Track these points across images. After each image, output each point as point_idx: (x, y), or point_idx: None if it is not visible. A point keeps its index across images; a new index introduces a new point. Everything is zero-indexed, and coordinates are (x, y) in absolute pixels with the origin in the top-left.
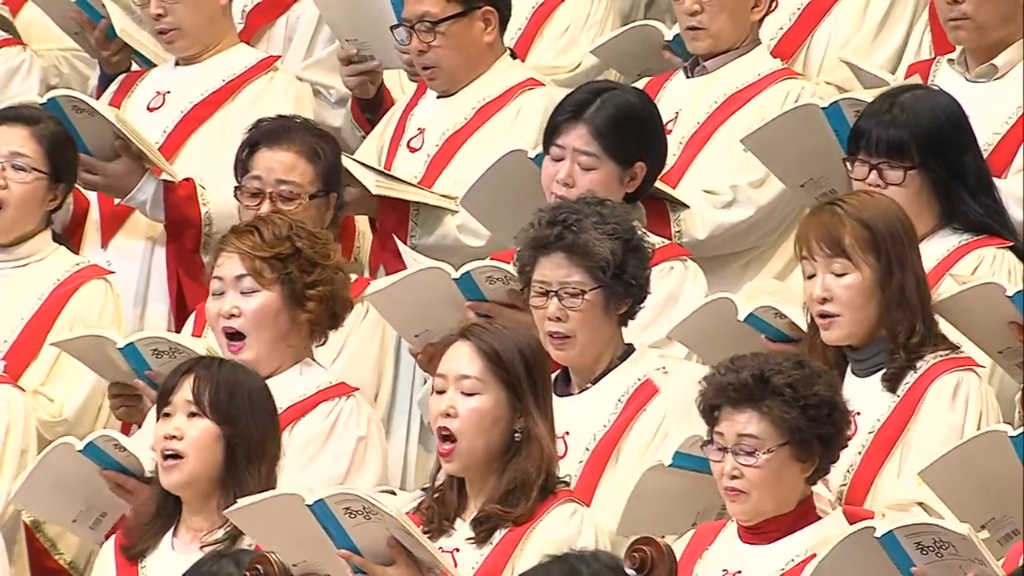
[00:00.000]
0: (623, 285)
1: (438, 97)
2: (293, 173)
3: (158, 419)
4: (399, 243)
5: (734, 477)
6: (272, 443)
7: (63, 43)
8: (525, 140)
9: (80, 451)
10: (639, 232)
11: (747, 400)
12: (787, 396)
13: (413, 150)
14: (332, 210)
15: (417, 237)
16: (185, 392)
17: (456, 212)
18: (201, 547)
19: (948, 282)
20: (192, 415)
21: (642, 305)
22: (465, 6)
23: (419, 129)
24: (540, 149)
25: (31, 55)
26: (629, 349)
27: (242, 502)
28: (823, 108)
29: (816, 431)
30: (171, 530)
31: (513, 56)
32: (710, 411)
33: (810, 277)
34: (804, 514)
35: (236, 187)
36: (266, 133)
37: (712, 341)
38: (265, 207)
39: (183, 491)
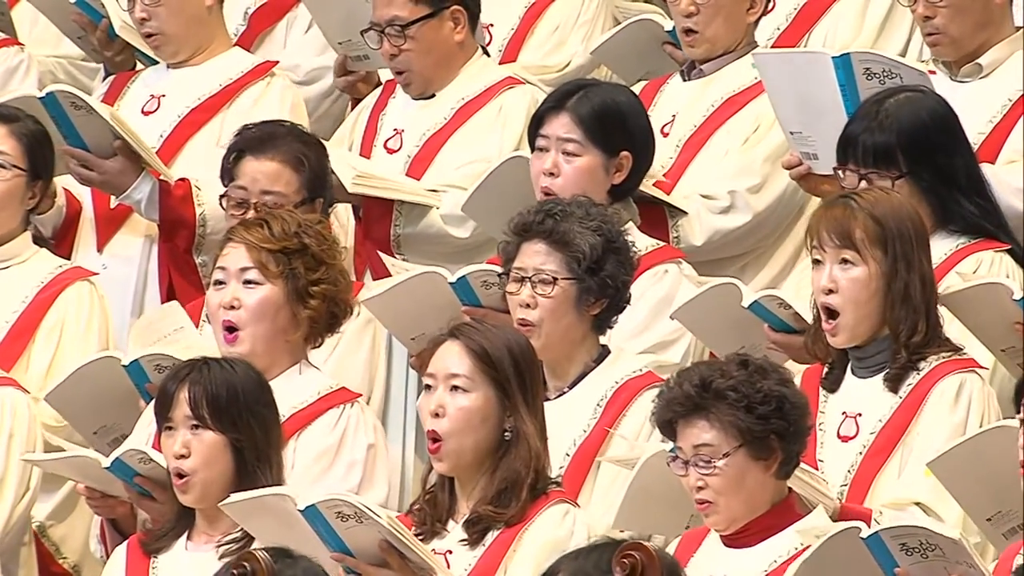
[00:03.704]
0: (598, 283)
1: (414, 98)
2: (278, 183)
3: (160, 431)
4: (384, 256)
5: (699, 488)
6: (275, 433)
7: (59, 49)
8: (509, 138)
9: (107, 468)
10: (625, 236)
11: (695, 410)
12: (731, 399)
13: (391, 151)
14: (318, 214)
15: (401, 226)
16: (183, 407)
17: (439, 206)
18: (216, 546)
19: (953, 278)
20: (195, 427)
21: (618, 316)
22: (433, 7)
23: (395, 130)
24: None
25: (29, 55)
26: (604, 351)
27: (234, 497)
28: (833, 57)
29: (769, 428)
30: (186, 533)
31: (486, 54)
32: (668, 427)
33: (818, 264)
34: (783, 514)
35: (222, 196)
36: (251, 141)
37: (715, 326)
38: (250, 217)
39: (199, 506)
